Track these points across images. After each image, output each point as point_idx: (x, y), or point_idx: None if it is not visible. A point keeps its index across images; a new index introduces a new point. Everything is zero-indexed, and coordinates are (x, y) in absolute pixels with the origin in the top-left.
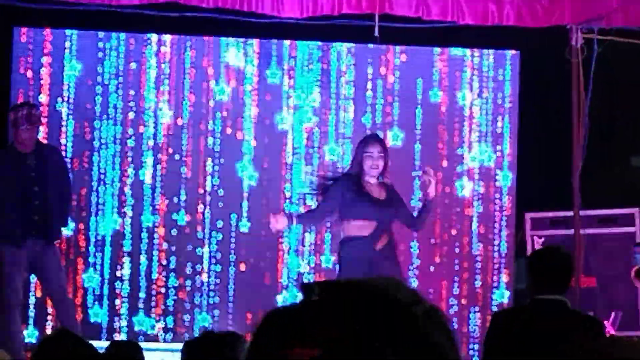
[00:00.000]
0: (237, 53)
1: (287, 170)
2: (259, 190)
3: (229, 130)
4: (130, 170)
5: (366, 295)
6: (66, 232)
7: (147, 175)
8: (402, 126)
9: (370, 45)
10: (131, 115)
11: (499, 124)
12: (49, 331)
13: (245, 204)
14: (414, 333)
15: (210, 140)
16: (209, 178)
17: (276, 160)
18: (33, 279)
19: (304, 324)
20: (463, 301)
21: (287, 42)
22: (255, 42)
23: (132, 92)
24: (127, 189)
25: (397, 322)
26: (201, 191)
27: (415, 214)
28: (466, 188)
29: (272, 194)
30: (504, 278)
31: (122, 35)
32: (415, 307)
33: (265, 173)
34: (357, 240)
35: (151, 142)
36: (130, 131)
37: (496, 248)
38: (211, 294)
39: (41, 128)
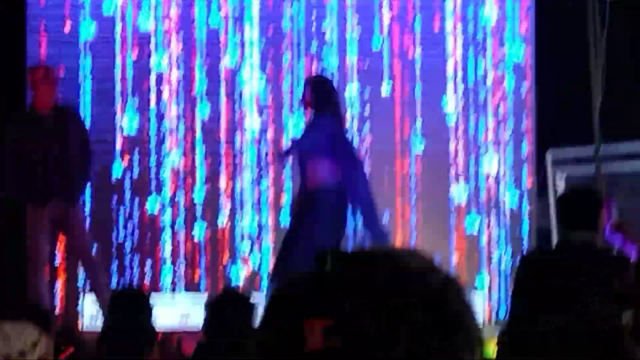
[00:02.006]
0: None
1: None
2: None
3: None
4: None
5: (380, 264)
6: None
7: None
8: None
9: None
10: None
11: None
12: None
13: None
14: (429, 302)
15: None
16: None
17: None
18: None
19: (317, 294)
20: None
21: None
22: None
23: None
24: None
25: (412, 292)
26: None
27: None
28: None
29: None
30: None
31: None
32: (431, 276)
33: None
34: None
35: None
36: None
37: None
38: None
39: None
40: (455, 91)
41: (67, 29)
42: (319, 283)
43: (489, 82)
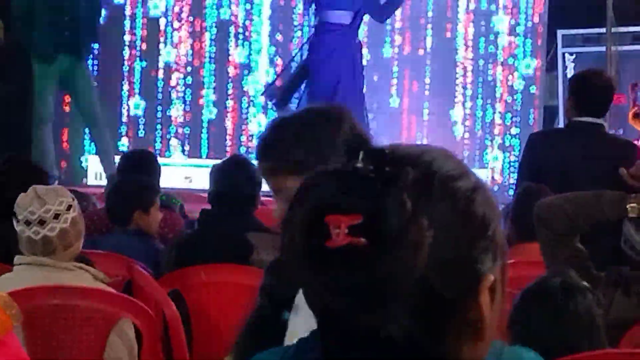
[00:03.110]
0: None
1: None
2: None
3: None
4: None
5: (411, 166)
6: None
7: None
8: None
9: None
10: None
11: None
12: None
13: None
14: (457, 207)
15: None
16: None
17: None
18: None
19: (345, 189)
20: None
21: None
22: None
23: None
24: None
25: (441, 195)
26: None
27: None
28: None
29: None
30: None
31: None
32: (461, 180)
33: None
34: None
35: None
36: None
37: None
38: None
39: None
40: None
41: None
42: (347, 179)
43: None
